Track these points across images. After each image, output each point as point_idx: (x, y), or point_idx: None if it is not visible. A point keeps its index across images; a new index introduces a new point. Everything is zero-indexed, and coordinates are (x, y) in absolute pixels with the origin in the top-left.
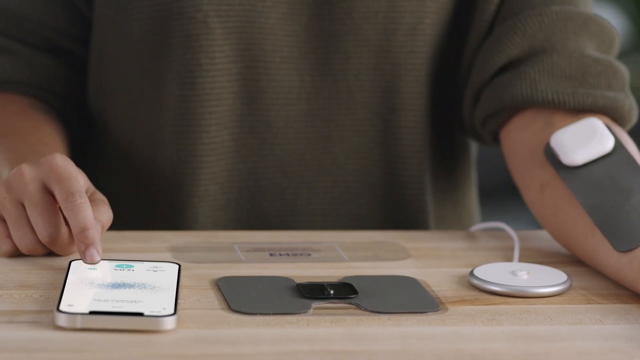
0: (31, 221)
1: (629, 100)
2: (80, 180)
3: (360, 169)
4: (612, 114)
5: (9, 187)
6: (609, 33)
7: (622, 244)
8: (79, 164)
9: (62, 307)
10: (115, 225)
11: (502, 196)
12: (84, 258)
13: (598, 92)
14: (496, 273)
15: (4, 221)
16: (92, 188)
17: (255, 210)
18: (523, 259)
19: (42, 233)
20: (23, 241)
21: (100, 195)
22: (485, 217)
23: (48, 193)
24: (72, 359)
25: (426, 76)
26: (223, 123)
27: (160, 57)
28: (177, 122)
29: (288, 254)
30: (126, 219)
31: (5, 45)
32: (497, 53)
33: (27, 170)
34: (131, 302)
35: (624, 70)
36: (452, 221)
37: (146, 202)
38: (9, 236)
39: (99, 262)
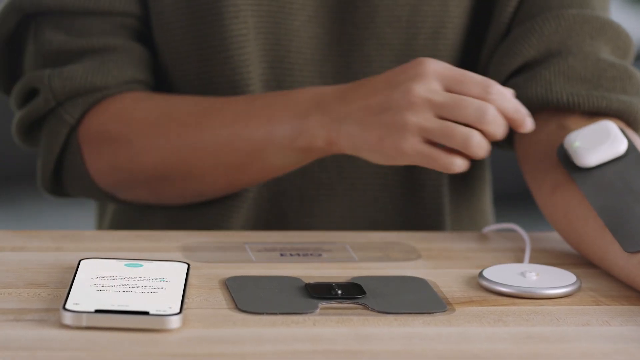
0: (466, 117)
1: None
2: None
3: (378, 171)
4: (627, 118)
5: (415, 110)
6: (625, 39)
7: (631, 245)
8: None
9: (68, 306)
10: (138, 215)
11: (517, 199)
12: (524, 128)
13: (613, 96)
14: (505, 274)
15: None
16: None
17: (274, 210)
18: (534, 260)
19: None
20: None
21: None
22: (500, 220)
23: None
24: (76, 357)
25: None
26: None
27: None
28: None
29: (299, 254)
30: (150, 210)
31: (111, 45)
32: (513, 55)
33: (420, 90)
34: (137, 301)
35: (639, 76)
36: (467, 224)
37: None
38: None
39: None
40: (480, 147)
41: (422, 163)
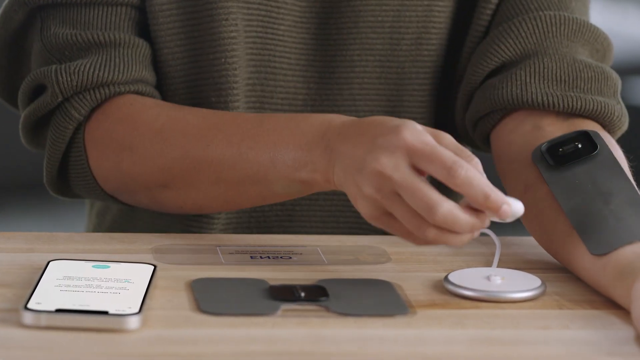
0: (415, 207)
1: (620, 107)
2: (444, 141)
3: None
4: (602, 119)
5: (377, 188)
6: (604, 41)
7: (597, 248)
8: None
9: (29, 305)
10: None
11: None
12: (501, 217)
13: (588, 97)
14: (471, 278)
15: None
16: (453, 142)
17: (255, 214)
18: (504, 264)
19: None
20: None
21: (461, 147)
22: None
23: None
24: (32, 356)
25: (430, 85)
26: None
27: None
28: None
29: (269, 257)
30: (136, 214)
31: (117, 39)
32: (489, 55)
33: (384, 162)
34: (99, 301)
35: (616, 77)
36: None
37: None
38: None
39: (522, 209)
40: (434, 240)
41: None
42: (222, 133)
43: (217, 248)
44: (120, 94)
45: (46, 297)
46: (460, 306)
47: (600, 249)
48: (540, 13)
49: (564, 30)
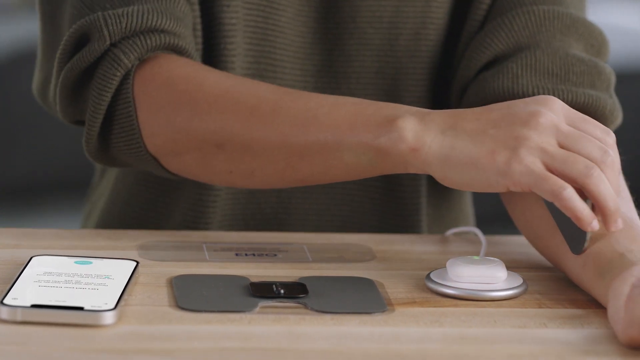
0: (585, 151)
1: (612, 101)
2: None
3: None
4: (594, 113)
5: (540, 131)
6: (599, 37)
7: (577, 247)
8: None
9: (6, 301)
10: (131, 211)
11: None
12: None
13: (580, 90)
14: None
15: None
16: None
17: (251, 206)
18: None
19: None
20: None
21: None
22: (482, 222)
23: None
24: (5, 350)
25: (428, 80)
26: None
27: None
28: None
29: (254, 254)
30: (139, 209)
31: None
32: (482, 49)
33: (543, 112)
34: (76, 296)
35: (609, 72)
36: (448, 224)
37: (163, 193)
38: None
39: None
40: (600, 180)
41: (528, 183)
42: (297, 99)
43: (203, 245)
44: (171, 44)
45: (24, 293)
46: (439, 304)
47: (579, 248)
48: (534, 7)
49: (557, 24)
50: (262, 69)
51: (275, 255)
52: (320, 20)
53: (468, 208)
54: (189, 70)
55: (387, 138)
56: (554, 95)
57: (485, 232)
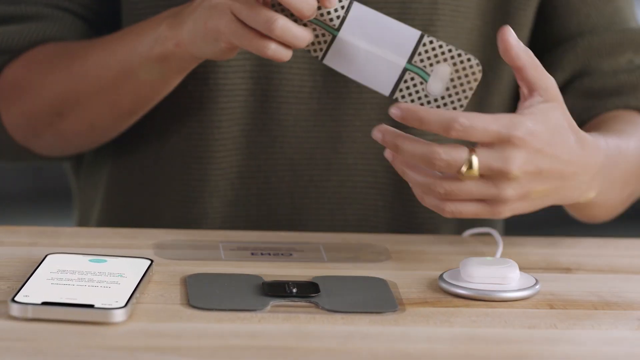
0: (256, 26)
1: None
2: None
3: (368, 169)
4: None
5: (218, 23)
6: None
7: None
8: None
9: (17, 298)
10: (128, 217)
11: None
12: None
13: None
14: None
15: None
16: None
17: (264, 207)
18: None
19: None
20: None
21: None
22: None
23: None
24: (13, 347)
25: None
26: (235, 119)
27: None
28: (189, 116)
29: (269, 254)
30: (138, 212)
31: (31, 13)
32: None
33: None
34: (87, 294)
35: None
36: (464, 223)
37: (157, 195)
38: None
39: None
40: (285, 29)
41: (238, 42)
42: (100, 44)
43: (220, 244)
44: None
45: (36, 290)
46: (451, 304)
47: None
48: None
49: (603, 50)
50: (268, 71)
51: (291, 254)
52: None
53: None
54: (28, 56)
55: (158, 46)
56: None
57: (510, 232)
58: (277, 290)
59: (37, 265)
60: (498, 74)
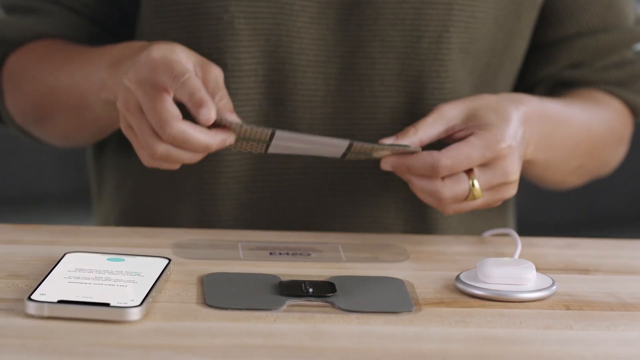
0: (151, 122)
1: None
2: (182, 60)
3: (381, 172)
4: None
5: (125, 101)
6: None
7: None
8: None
9: (34, 296)
10: (142, 221)
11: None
12: (199, 119)
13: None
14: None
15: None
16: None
17: (277, 210)
18: None
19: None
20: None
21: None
22: (523, 224)
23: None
24: (28, 344)
25: (451, 83)
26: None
27: None
28: None
29: (288, 254)
30: (153, 214)
31: (35, 6)
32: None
33: (130, 76)
34: (103, 293)
35: None
36: (480, 224)
37: (171, 198)
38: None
39: (214, 118)
40: (177, 137)
41: (137, 131)
42: (74, 60)
43: (239, 244)
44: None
45: (52, 289)
46: (467, 305)
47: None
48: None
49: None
50: (282, 75)
51: (309, 254)
52: (341, 22)
53: (507, 209)
54: (24, 51)
55: (105, 92)
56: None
57: (528, 233)
58: (293, 289)
59: (55, 263)
60: (498, 75)
